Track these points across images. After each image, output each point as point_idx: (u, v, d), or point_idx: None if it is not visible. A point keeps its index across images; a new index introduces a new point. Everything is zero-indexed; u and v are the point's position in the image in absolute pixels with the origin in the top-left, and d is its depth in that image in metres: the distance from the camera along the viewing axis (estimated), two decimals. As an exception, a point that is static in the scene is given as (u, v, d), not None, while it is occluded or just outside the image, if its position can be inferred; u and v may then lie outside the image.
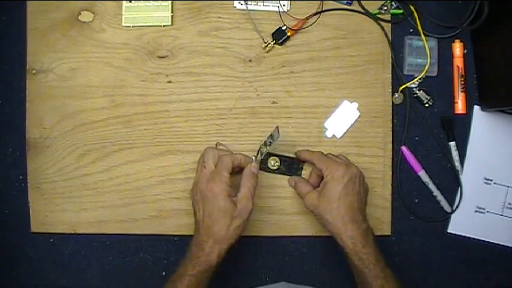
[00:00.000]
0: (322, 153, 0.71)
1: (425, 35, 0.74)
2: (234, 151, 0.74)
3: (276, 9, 0.73)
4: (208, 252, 0.63)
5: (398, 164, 0.75)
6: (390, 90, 0.74)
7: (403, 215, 0.75)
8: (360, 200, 0.67)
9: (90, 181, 0.75)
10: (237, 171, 0.68)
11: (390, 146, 0.74)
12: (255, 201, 0.73)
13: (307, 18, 0.74)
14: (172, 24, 0.75)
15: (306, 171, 0.74)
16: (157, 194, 0.75)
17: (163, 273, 0.75)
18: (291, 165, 0.74)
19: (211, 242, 0.63)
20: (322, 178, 0.68)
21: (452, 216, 0.75)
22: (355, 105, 0.74)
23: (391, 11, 0.74)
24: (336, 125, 0.74)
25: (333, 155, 0.72)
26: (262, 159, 0.73)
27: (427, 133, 0.75)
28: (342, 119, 0.74)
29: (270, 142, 0.69)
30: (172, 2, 0.74)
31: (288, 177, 0.74)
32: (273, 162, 0.74)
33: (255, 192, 0.66)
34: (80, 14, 0.75)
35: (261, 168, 0.73)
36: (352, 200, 0.66)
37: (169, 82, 0.75)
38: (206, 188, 0.64)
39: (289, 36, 0.74)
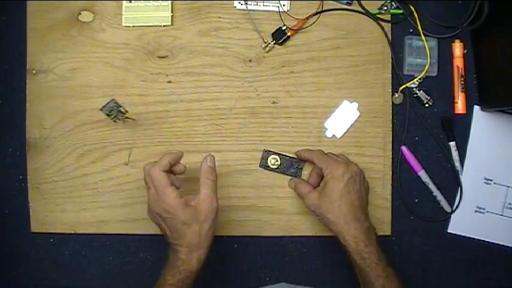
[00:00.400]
0: (323, 151, 0.71)
1: (425, 35, 0.74)
2: (234, 151, 0.74)
3: (276, 9, 0.73)
4: (187, 260, 0.61)
5: (398, 164, 0.75)
6: (390, 90, 0.74)
7: (403, 215, 0.75)
8: (361, 198, 0.67)
9: (90, 181, 0.75)
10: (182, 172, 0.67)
11: (390, 146, 0.74)
12: (256, 201, 0.74)
13: (307, 18, 0.74)
14: (172, 24, 0.75)
15: (306, 171, 0.74)
16: (157, 194, 0.75)
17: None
18: (291, 164, 0.74)
19: (186, 251, 0.61)
20: (322, 177, 0.68)
21: (452, 216, 0.75)
22: (355, 105, 0.74)
23: (391, 11, 0.74)
24: (336, 125, 0.74)
25: (333, 154, 0.72)
26: (262, 158, 0.74)
27: (427, 133, 0.75)
28: (342, 119, 0.74)
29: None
30: (172, 2, 0.74)
31: (288, 177, 0.74)
32: (273, 161, 0.74)
33: (216, 187, 0.63)
34: (80, 14, 0.75)
35: (261, 167, 0.74)
36: (354, 198, 0.66)
37: (169, 82, 0.75)
38: (159, 208, 0.61)
39: (289, 36, 0.74)
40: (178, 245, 0.61)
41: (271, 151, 0.74)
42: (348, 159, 0.72)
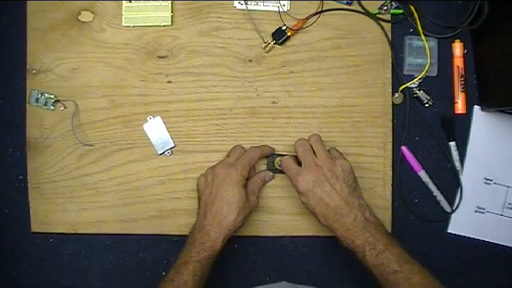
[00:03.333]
0: (288, 163, 0.69)
1: (425, 35, 0.74)
2: (234, 151, 0.74)
3: (276, 9, 0.73)
4: (215, 238, 0.64)
5: (399, 164, 0.75)
6: (390, 90, 0.74)
7: (403, 215, 0.75)
8: (337, 196, 0.64)
9: (90, 181, 0.75)
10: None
11: (390, 146, 0.74)
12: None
13: (307, 18, 0.74)
14: (172, 24, 0.75)
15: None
16: (157, 194, 0.75)
17: (164, 273, 0.75)
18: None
19: (218, 228, 0.64)
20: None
21: (452, 216, 0.75)
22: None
23: (391, 11, 0.74)
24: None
25: (301, 143, 0.70)
26: (268, 162, 0.74)
27: (427, 133, 0.75)
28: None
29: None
30: (172, 2, 0.74)
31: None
32: (279, 163, 0.72)
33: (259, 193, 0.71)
34: (80, 14, 0.75)
35: (268, 169, 0.74)
36: (328, 202, 0.64)
37: (169, 82, 0.75)
38: (225, 173, 0.67)
39: (289, 36, 0.74)
40: (211, 218, 0.65)
41: (277, 153, 0.74)
42: (336, 152, 0.71)
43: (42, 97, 0.74)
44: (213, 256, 0.64)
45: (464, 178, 0.75)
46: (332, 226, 0.64)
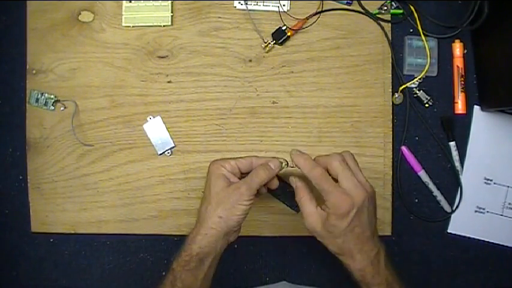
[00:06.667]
0: (322, 171, 0.58)
1: (425, 35, 0.74)
2: (233, 151, 0.74)
3: (276, 9, 0.73)
4: (190, 240, 0.60)
5: (399, 164, 0.75)
6: (390, 90, 0.74)
7: (403, 215, 0.75)
8: (369, 226, 0.58)
9: (90, 181, 0.75)
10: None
11: (390, 146, 0.74)
12: (256, 201, 0.73)
13: (307, 18, 0.74)
14: (172, 24, 0.75)
15: None
16: (157, 194, 0.75)
17: (163, 273, 0.75)
18: (292, 196, 0.63)
19: (194, 231, 0.60)
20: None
21: (452, 216, 0.75)
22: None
23: (391, 11, 0.74)
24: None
25: (338, 157, 0.59)
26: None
27: (427, 133, 0.75)
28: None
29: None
30: (172, 2, 0.74)
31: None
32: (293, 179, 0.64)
33: (255, 189, 0.60)
34: (80, 14, 0.75)
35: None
36: (360, 232, 0.57)
37: (169, 82, 0.75)
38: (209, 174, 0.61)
39: (289, 36, 0.74)
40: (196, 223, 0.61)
41: (280, 177, 0.66)
42: (351, 162, 0.60)
43: (42, 97, 0.74)
44: (190, 262, 0.59)
45: (464, 178, 0.75)
46: (354, 257, 0.58)
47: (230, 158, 0.62)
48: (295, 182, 0.61)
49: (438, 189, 0.75)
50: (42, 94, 0.74)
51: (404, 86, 0.74)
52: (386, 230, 0.74)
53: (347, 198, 0.56)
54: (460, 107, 0.75)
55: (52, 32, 0.75)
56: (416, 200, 0.75)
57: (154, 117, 0.74)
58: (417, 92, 0.75)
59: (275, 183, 0.64)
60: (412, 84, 0.75)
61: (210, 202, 0.59)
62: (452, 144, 0.75)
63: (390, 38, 0.74)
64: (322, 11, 0.74)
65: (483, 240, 0.75)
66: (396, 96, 0.74)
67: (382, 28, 0.74)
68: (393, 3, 0.74)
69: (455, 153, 0.75)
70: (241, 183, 0.59)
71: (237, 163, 0.61)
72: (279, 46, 0.74)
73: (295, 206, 0.66)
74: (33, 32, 0.75)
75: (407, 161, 0.75)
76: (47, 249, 0.76)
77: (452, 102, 0.75)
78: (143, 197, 0.75)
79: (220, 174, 0.60)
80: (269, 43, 0.74)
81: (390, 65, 0.74)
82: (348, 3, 0.74)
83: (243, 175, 0.62)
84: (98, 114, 0.75)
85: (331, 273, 0.75)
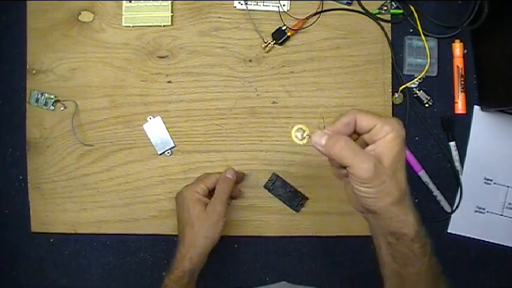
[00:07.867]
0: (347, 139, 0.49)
1: (425, 35, 0.74)
2: (233, 151, 0.74)
3: (276, 9, 0.73)
4: (181, 258, 0.65)
5: (398, 164, 0.75)
6: (390, 90, 0.74)
7: (403, 215, 0.75)
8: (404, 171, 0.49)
9: (90, 181, 0.75)
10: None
11: (390, 146, 0.74)
12: (255, 201, 0.74)
13: (307, 18, 0.74)
14: (172, 24, 0.75)
15: (305, 209, 0.74)
16: (157, 194, 0.75)
17: (163, 273, 0.75)
18: (295, 197, 0.73)
19: (183, 250, 0.65)
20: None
21: (452, 216, 0.75)
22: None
23: (391, 11, 0.74)
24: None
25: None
26: (269, 180, 0.73)
27: (427, 133, 0.75)
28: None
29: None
30: (172, 2, 0.74)
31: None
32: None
33: (227, 196, 0.67)
34: (80, 14, 0.75)
35: (265, 187, 0.74)
36: (403, 167, 0.49)
37: (169, 82, 0.75)
38: (179, 202, 0.68)
39: (289, 36, 0.74)
40: (179, 243, 0.66)
41: (281, 177, 0.73)
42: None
43: (42, 97, 0.74)
44: (183, 278, 0.64)
45: (464, 178, 0.75)
46: (404, 197, 0.50)
47: (199, 182, 0.68)
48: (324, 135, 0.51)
49: (438, 189, 0.75)
50: (42, 94, 0.74)
51: (404, 86, 0.74)
52: (386, 230, 0.74)
53: (394, 120, 0.50)
54: (460, 107, 0.75)
55: (52, 32, 0.75)
56: (416, 200, 0.75)
57: (154, 117, 0.74)
58: (417, 92, 0.75)
59: (236, 191, 0.72)
60: (412, 84, 0.75)
61: (193, 225, 0.65)
62: (452, 144, 0.75)
63: (390, 38, 0.74)
64: (322, 11, 0.74)
65: (483, 240, 0.75)
66: (396, 96, 0.74)
67: (382, 28, 0.74)
68: (393, 3, 0.74)
69: (455, 153, 0.75)
70: (215, 203, 0.66)
71: (205, 184, 0.68)
72: (279, 46, 0.74)
73: (295, 206, 0.72)
74: (33, 32, 0.75)
75: (408, 161, 0.75)
76: (47, 249, 0.76)
77: (452, 102, 0.75)
78: (143, 197, 0.75)
79: (196, 199, 0.66)
80: (269, 43, 0.74)
81: (390, 65, 0.74)
82: (348, 3, 0.74)
83: (210, 192, 0.68)
84: (98, 114, 0.75)
85: (331, 273, 0.75)
